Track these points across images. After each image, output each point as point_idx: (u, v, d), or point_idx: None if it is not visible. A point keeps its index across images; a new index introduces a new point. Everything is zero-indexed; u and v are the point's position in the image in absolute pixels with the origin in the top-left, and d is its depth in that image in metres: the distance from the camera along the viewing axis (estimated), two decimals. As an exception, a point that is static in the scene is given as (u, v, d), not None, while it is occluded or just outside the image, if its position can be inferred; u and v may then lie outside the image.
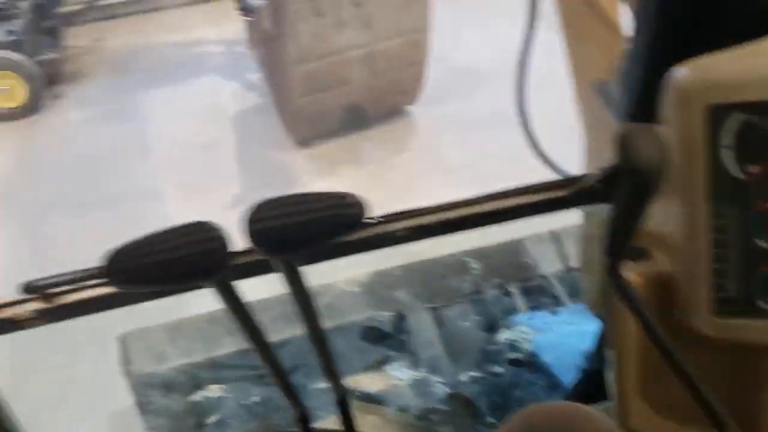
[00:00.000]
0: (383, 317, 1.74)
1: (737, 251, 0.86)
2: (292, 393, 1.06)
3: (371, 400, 1.62)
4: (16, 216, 4.16)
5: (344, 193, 0.75)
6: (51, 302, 1.00)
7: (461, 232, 1.11)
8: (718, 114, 0.83)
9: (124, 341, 2.33)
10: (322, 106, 4.11)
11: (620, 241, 0.83)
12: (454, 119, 4.53)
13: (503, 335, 1.90)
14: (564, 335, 2.17)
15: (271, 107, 4.84)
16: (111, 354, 2.38)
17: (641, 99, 1.05)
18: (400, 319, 1.75)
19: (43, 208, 4.21)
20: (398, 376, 1.69)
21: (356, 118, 4.35)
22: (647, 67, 1.03)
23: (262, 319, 2.35)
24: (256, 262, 0.81)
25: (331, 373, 1.03)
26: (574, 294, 2.30)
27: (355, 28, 3.78)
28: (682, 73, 0.85)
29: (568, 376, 2.00)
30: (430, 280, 1.84)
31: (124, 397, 2.20)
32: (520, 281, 2.21)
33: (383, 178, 4.14)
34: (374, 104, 4.32)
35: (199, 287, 0.82)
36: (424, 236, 1.07)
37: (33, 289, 0.96)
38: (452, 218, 1.08)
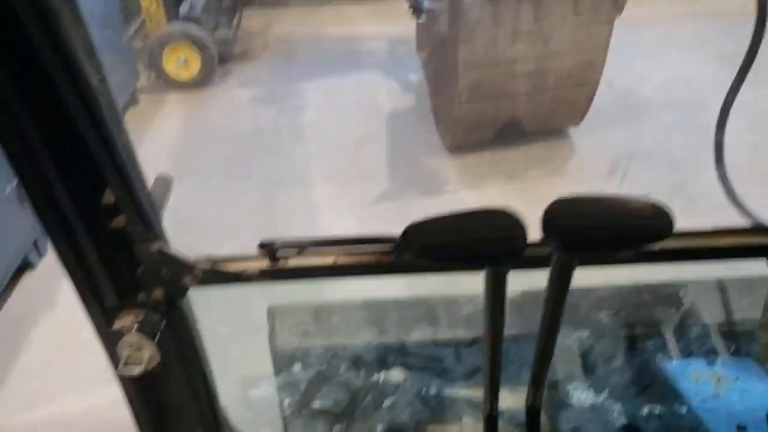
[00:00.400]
0: (576, 336, 1.69)
1: None
2: (495, 391, 1.04)
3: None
4: (178, 180, 4.38)
5: (655, 200, 0.73)
6: (275, 264, 1.03)
7: (680, 263, 1.06)
8: None
9: (273, 314, 2.38)
10: (483, 115, 4.08)
11: None
12: (615, 147, 4.39)
13: (697, 375, 1.80)
14: (722, 390, 2.05)
15: (426, 110, 4.87)
16: (250, 321, 2.45)
17: None
18: (594, 340, 1.70)
19: (203, 174, 4.43)
20: (578, 396, 1.64)
21: (514, 133, 4.29)
22: None
23: (405, 316, 2.35)
24: (537, 256, 0.80)
25: (538, 378, 1.00)
26: (734, 348, 2.17)
27: (530, 42, 3.73)
28: None
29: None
30: (636, 305, 1.77)
31: (261, 365, 2.26)
32: (679, 325, 2.10)
33: (532, 198, 4.02)
34: (535, 121, 4.25)
35: (478, 270, 0.82)
36: (642, 261, 1.03)
37: (265, 248, 1.00)
38: (675, 248, 1.02)
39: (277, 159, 4.63)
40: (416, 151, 4.64)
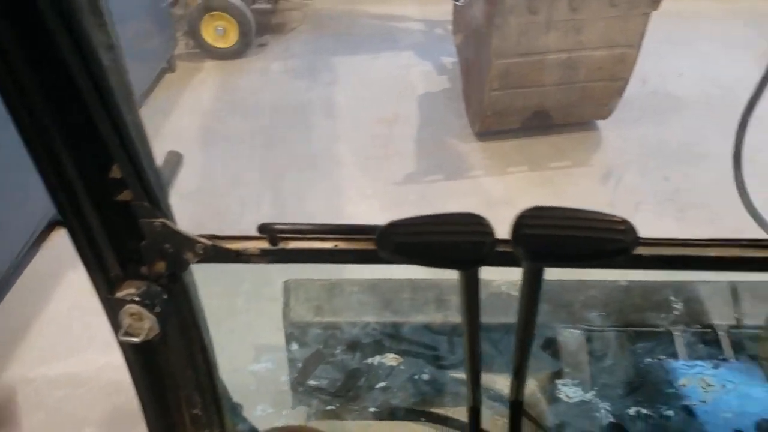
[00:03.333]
0: (568, 332, 1.71)
1: None
2: (477, 382, 1.06)
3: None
4: (208, 147, 4.45)
5: (621, 218, 0.74)
6: (275, 245, 1.06)
7: (679, 270, 1.06)
8: None
9: (288, 288, 2.41)
10: (512, 103, 4.07)
11: None
12: (641, 143, 4.35)
13: (685, 379, 1.80)
14: (722, 393, 2.05)
15: (458, 94, 4.86)
16: (265, 294, 2.49)
17: None
18: (585, 337, 1.71)
19: (232, 145, 4.49)
20: (567, 392, 1.66)
21: (541, 122, 4.27)
22: None
23: (418, 298, 2.37)
24: (507, 255, 0.82)
25: (519, 373, 1.02)
26: (740, 351, 2.16)
27: (563, 32, 3.70)
28: None
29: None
30: (628, 305, 1.78)
31: (274, 336, 2.31)
32: (687, 326, 2.09)
33: (554, 187, 4.05)
34: (563, 112, 4.22)
35: (452, 269, 0.84)
36: (639, 267, 1.03)
37: (265, 230, 1.03)
38: (673, 255, 1.03)
39: (305, 132, 4.67)
40: (445, 135, 4.63)
